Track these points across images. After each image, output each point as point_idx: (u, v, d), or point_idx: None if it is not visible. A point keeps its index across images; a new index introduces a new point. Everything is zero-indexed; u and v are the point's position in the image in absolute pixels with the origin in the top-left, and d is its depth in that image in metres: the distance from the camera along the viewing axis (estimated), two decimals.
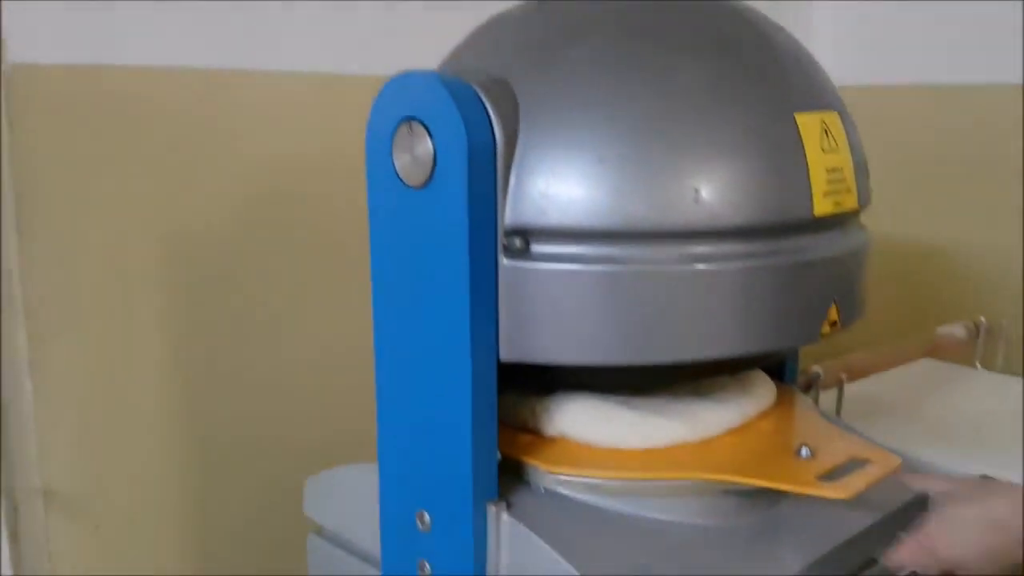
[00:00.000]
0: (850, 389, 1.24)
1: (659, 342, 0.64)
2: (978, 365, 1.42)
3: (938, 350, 1.36)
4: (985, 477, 0.64)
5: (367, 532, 0.77)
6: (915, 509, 0.82)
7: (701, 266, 0.62)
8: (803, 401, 0.83)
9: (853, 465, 0.69)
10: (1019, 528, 0.60)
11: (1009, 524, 0.60)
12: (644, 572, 0.65)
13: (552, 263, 0.63)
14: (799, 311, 0.66)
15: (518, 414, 0.77)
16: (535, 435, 0.75)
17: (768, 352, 0.67)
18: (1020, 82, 1.39)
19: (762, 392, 0.80)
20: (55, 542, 0.98)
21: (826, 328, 0.68)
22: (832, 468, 0.69)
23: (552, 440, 0.74)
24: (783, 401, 0.82)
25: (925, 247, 1.53)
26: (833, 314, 0.68)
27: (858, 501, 0.78)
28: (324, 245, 1.15)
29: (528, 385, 0.78)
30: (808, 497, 0.76)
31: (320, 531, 0.87)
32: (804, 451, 0.70)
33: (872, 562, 0.79)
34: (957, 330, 1.37)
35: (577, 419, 0.74)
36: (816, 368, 1.22)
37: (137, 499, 1.04)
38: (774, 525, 0.74)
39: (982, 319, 1.41)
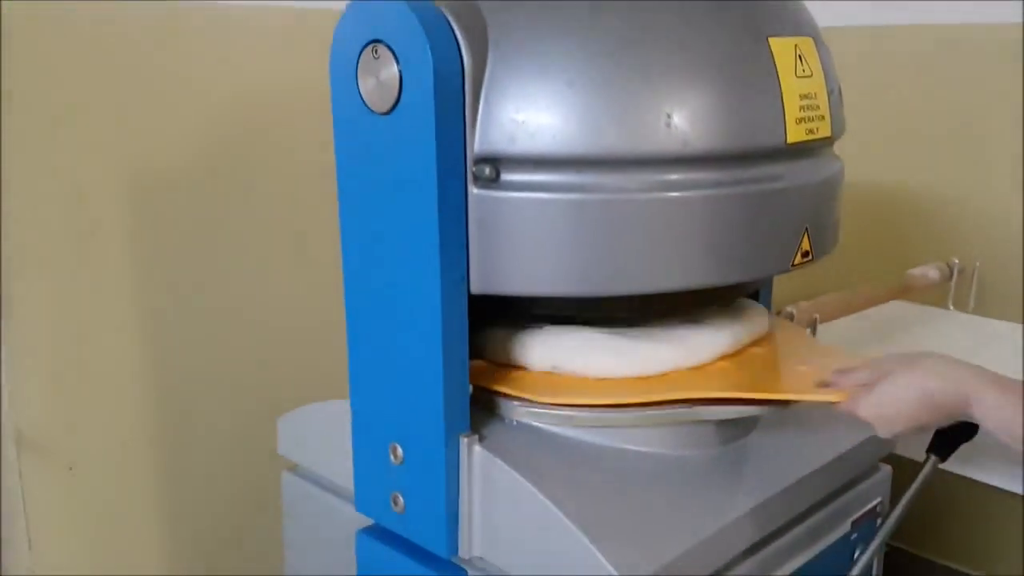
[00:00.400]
0: (823, 330, 1.24)
1: (630, 272, 0.63)
2: (951, 306, 1.43)
3: (911, 291, 1.37)
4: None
5: (341, 468, 0.77)
6: (878, 442, 0.83)
7: (672, 194, 0.62)
8: (795, 327, 0.83)
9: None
10: (947, 406, 0.62)
11: (938, 401, 0.62)
12: (612, 502, 0.66)
13: (523, 192, 0.62)
14: (771, 240, 0.66)
15: (508, 349, 0.75)
16: (524, 370, 0.74)
17: (740, 282, 0.66)
18: (999, 23, 1.38)
19: (755, 319, 0.79)
20: (28, 483, 0.98)
21: (798, 258, 0.68)
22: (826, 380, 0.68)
23: (543, 374, 0.73)
24: (775, 328, 0.82)
25: (899, 189, 1.53)
26: (805, 244, 0.68)
27: (830, 430, 0.79)
28: (292, 179, 1.12)
29: (517, 321, 0.78)
30: (778, 427, 0.77)
31: (294, 469, 0.87)
32: (800, 367, 0.70)
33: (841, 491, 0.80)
34: (930, 271, 1.38)
35: (569, 351, 0.73)
36: (790, 308, 1.22)
37: (110, 440, 1.04)
38: (743, 456, 0.75)
39: (955, 260, 1.41)
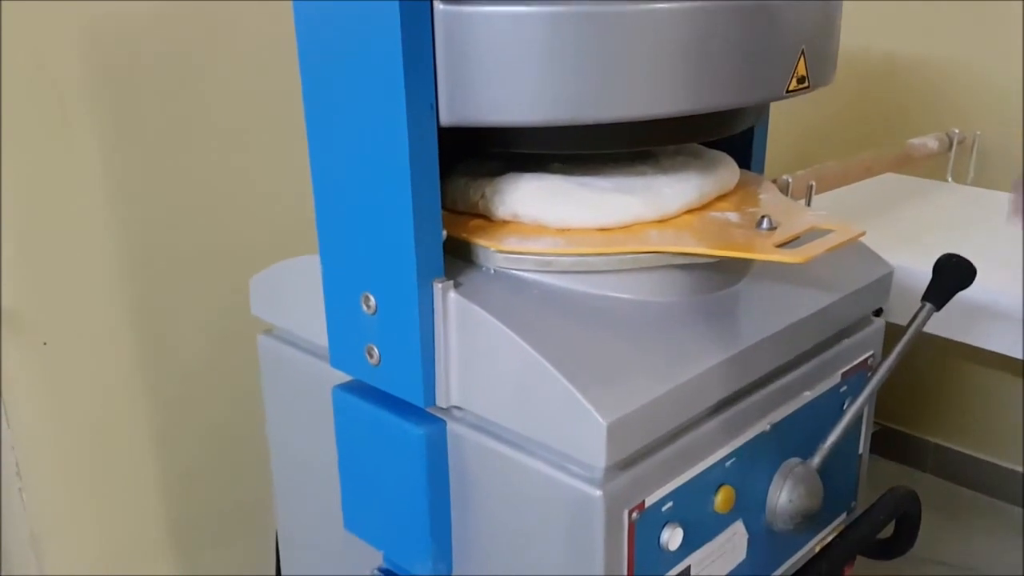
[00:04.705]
0: (820, 200, 1.21)
1: (613, 96, 0.59)
2: (950, 178, 1.39)
3: (910, 161, 1.32)
4: None
5: (315, 325, 0.74)
6: (881, 288, 0.81)
7: (658, 5, 0.57)
8: (765, 183, 0.79)
9: (814, 235, 0.66)
10: None
11: None
12: (592, 345, 0.63)
13: (493, 5, 0.57)
14: (764, 60, 0.61)
15: (469, 198, 0.72)
16: (487, 219, 0.71)
17: (730, 107, 0.62)
18: None
19: (724, 172, 0.76)
20: (2, 358, 0.96)
21: (793, 83, 0.63)
22: (792, 238, 0.66)
23: (504, 222, 0.71)
24: (746, 183, 0.78)
25: (898, 59, 1.47)
26: (801, 68, 0.63)
27: (822, 279, 0.76)
28: (256, 41, 1.06)
29: (480, 169, 0.74)
30: (770, 275, 0.74)
31: (270, 331, 0.84)
32: (765, 223, 0.67)
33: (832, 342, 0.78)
34: (929, 141, 1.34)
35: (530, 198, 0.70)
36: (786, 177, 1.18)
37: (84, 314, 1.01)
38: (731, 303, 0.72)
39: (955, 130, 1.37)
